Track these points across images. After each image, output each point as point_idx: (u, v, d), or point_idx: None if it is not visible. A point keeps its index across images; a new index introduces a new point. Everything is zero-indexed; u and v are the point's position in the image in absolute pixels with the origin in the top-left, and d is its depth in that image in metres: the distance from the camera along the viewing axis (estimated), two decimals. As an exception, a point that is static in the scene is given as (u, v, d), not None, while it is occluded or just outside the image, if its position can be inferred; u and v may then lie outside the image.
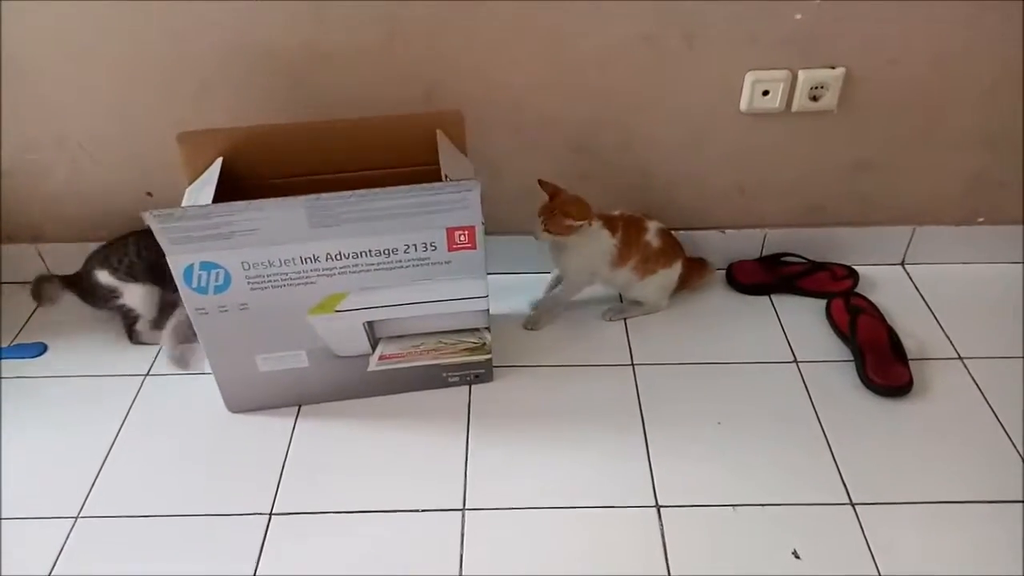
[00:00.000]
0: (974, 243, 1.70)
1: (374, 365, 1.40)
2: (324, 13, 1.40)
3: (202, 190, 1.25)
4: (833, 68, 1.45)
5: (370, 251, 1.23)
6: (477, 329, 1.39)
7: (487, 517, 1.26)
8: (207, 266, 1.19)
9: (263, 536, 1.24)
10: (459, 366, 1.44)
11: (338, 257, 1.23)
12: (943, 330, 1.58)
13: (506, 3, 1.38)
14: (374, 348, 1.38)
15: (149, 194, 1.63)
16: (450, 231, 1.24)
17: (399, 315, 1.33)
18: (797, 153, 1.57)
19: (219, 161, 1.30)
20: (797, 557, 1.19)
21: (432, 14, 1.40)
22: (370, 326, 1.34)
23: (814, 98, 1.47)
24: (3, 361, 1.58)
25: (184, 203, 1.25)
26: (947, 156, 1.58)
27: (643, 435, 1.38)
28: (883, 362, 1.47)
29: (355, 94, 1.49)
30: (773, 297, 1.67)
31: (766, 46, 1.43)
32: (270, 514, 1.27)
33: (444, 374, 1.45)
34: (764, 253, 1.73)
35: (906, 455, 1.34)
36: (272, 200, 1.13)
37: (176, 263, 1.19)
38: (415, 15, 1.40)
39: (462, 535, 1.23)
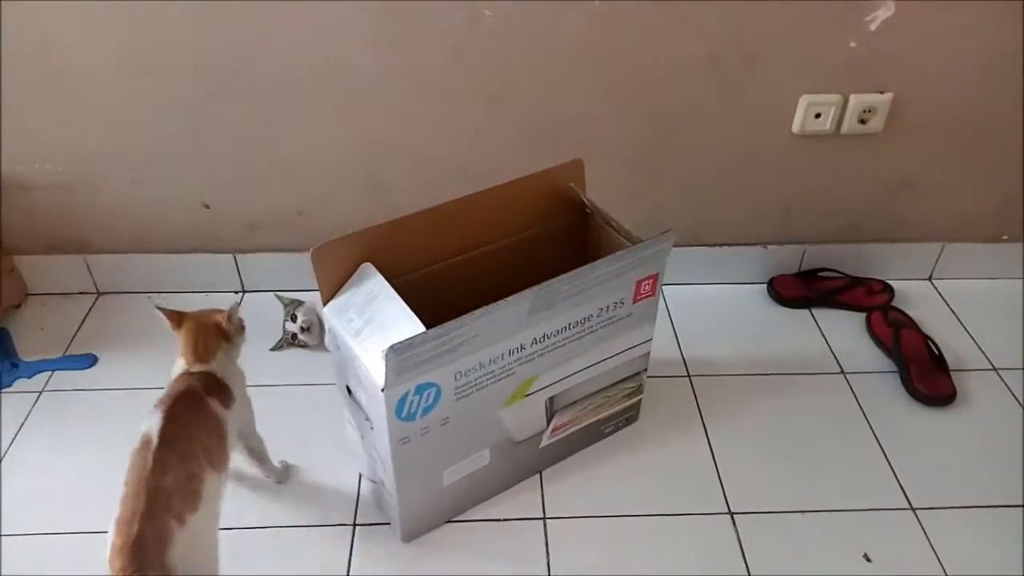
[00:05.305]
0: (999, 260, 1.79)
1: (547, 440, 1.32)
2: (393, 28, 1.43)
3: (372, 302, 1.12)
4: (882, 93, 1.52)
5: (569, 325, 1.17)
6: (637, 373, 1.37)
7: (567, 525, 1.30)
8: (422, 388, 1.06)
9: (350, 549, 1.26)
10: (615, 415, 1.41)
11: (541, 339, 1.15)
12: (976, 342, 1.66)
13: (574, 23, 1.43)
14: (549, 422, 1.31)
15: (206, 206, 1.63)
16: (638, 283, 1.21)
17: (579, 381, 1.28)
18: (842, 173, 1.64)
19: (370, 267, 1.16)
20: (868, 560, 1.25)
21: (498, 31, 1.44)
22: (550, 401, 1.27)
23: (862, 121, 1.55)
24: (55, 372, 1.57)
25: (333, 319, 1.14)
26: (980, 177, 1.67)
27: (708, 444, 1.43)
28: (927, 373, 1.54)
29: (425, 116, 1.53)
30: (813, 310, 1.74)
31: (821, 71, 1.50)
32: (352, 526, 1.29)
33: (602, 427, 1.41)
34: (802, 268, 1.80)
35: (957, 461, 1.41)
36: (507, 300, 1.04)
37: (392, 396, 1.04)
38: (480, 31, 1.44)
39: (546, 543, 1.27)
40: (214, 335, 1.16)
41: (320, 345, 1.59)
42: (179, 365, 1.15)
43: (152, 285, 1.74)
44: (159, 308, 1.17)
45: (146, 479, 0.98)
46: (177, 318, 1.16)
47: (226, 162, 1.58)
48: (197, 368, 1.14)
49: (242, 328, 1.22)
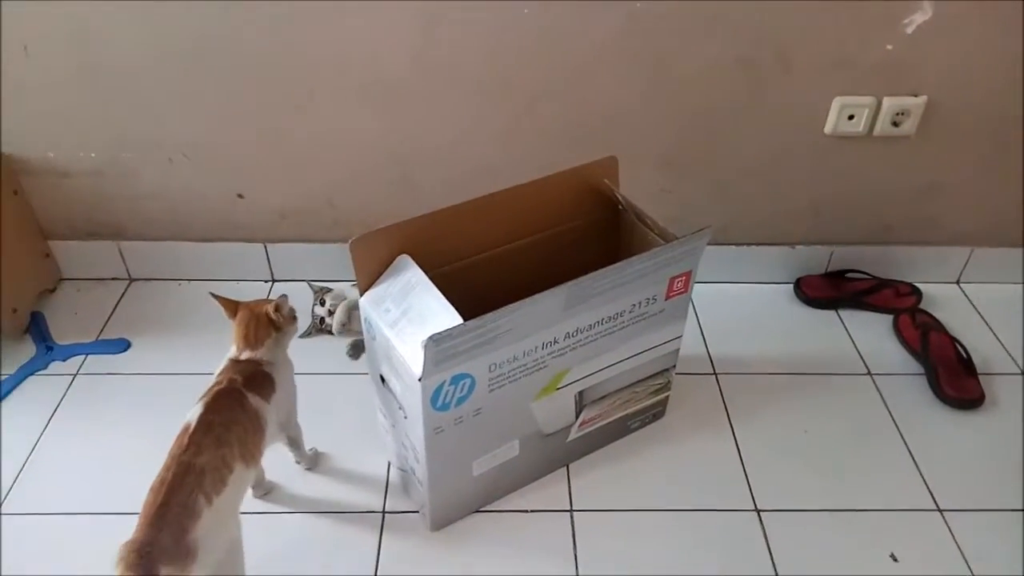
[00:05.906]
0: (1027, 265, 1.79)
1: (575, 433, 1.34)
2: (429, 24, 1.44)
3: (409, 293, 1.13)
4: (916, 96, 1.52)
5: (602, 320, 1.18)
6: (665, 370, 1.38)
7: (594, 518, 1.31)
8: (457, 379, 1.07)
9: (379, 536, 1.27)
10: (642, 411, 1.42)
11: (574, 334, 1.16)
12: (1004, 346, 1.66)
13: (610, 22, 1.44)
14: (578, 416, 1.32)
15: (240, 196, 1.65)
16: (671, 280, 1.22)
17: (609, 376, 1.29)
18: (872, 175, 1.64)
19: (407, 259, 1.17)
20: (895, 560, 1.26)
21: (534, 30, 1.45)
22: (580, 395, 1.28)
23: (895, 124, 1.54)
24: (88, 356, 1.60)
25: (369, 309, 1.15)
26: (1011, 182, 1.66)
27: (734, 441, 1.44)
28: (955, 376, 1.54)
29: (459, 112, 1.54)
30: (840, 311, 1.74)
31: (856, 73, 1.49)
32: (383, 512, 1.30)
33: (628, 423, 1.42)
34: (829, 269, 1.80)
35: (985, 464, 1.41)
36: (544, 293, 1.05)
37: (429, 386, 1.05)
38: (516, 29, 1.45)
39: (573, 535, 1.28)
40: (264, 324, 1.18)
41: (344, 332, 1.62)
42: (231, 351, 1.19)
43: (183, 272, 1.77)
44: (215, 296, 1.20)
45: (178, 456, 1.01)
46: (232, 307, 1.20)
47: (259, 152, 1.60)
48: (246, 355, 1.17)
49: (293, 318, 1.24)
